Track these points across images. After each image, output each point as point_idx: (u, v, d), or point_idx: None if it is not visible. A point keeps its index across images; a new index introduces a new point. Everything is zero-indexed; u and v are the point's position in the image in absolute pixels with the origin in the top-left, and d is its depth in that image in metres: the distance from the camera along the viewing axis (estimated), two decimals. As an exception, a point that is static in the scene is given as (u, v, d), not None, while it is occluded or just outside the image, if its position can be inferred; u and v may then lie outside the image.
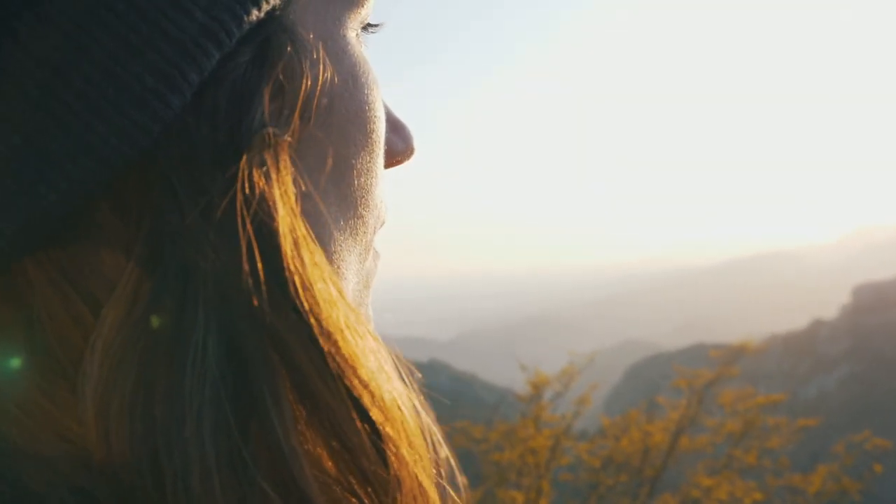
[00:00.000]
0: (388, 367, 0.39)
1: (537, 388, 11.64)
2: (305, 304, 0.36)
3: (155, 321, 0.35)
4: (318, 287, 0.37)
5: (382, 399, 0.37)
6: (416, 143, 0.53)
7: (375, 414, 0.37)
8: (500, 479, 10.98)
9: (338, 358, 0.36)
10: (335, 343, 0.36)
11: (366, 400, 0.37)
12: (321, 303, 0.36)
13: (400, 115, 0.52)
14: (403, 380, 0.40)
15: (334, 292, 0.38)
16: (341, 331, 0.37)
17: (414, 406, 0.40)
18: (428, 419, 0.41)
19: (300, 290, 0.36)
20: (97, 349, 0.36)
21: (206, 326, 0.35)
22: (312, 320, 0.36)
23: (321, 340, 0.36)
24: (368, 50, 0.48)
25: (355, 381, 0.36)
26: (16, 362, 0.38)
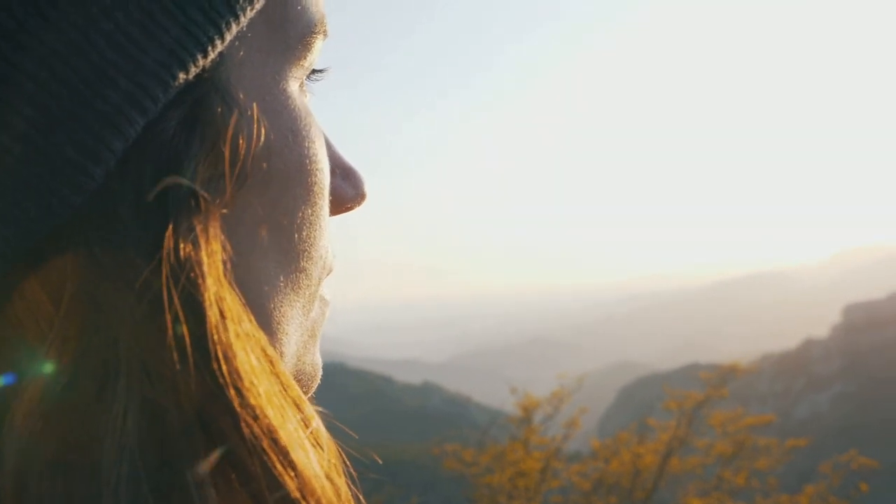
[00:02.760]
0: (306, 436, 0.39)
1: (527, 410, 11.77)
2: (228, 377, 0.35)
3: (74, 395, 0.34)
4: (241, 358, 0.36)
5: (303, 471, 0.37)
6: (367, 188, 0.53)
7: (294, 486, 0.36)
8: (490, 502, 11.07)
9: (256, 430, 0.35)
10: (256, 416, 0.36)
11: (286, 472, 0.36)
12: (244, 375, 0.36)
13: (351, 159, 0.53)
14: (321, 446, 0.40)
15: (258, 363, 0.37)
16: (262, 403, 0.36)
17: (330, 476, 0.39)
18: (344, 486, 0.41)
19: (223, 363, 0.35)
20: (16, 423, 0.35)
21: (127, 400, 0.34)
22: (234, 393, 0.35)
23: (242, 413, 0.35)
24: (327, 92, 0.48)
25: (274, 452, 0.36)
26: None
